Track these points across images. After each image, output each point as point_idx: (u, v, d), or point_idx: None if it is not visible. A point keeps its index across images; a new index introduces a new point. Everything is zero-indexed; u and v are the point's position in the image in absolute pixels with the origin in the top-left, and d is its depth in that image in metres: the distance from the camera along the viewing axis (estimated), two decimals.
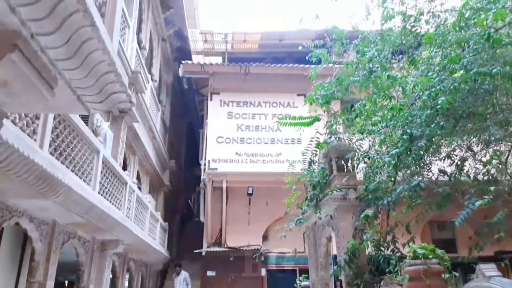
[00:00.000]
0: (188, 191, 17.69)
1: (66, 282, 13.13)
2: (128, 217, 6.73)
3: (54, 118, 3.91)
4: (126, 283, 9.99)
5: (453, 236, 10.96)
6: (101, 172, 5.30)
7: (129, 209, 6.85)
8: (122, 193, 6.35)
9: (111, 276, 8.18)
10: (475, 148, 5.34)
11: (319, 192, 6.40)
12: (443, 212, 9.03)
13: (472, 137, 5.27)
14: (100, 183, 5.22)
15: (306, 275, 8.81)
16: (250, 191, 11.50)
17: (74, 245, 5.70)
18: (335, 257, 7.40)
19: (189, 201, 18.26)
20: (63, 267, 6.52)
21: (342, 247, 5.58)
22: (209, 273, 11.05)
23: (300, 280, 8.83)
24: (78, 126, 4.46)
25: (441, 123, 4.27)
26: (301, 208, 6.58)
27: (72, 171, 4.30)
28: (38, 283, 4.51)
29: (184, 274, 10.34)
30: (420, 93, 4.76)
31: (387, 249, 4.88)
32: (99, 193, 5.12)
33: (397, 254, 4.73)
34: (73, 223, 5.13)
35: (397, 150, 4.42)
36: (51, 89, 1.79)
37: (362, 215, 4.85)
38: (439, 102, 4.10)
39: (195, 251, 11.36)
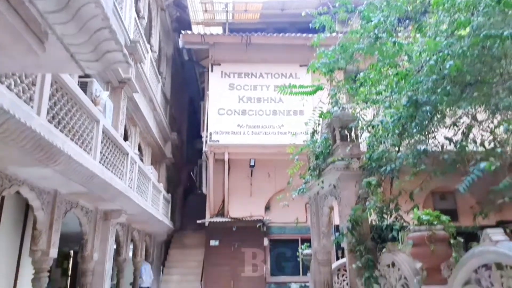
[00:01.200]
0: (190, 164, 17.74)
1: (72, 252, 13.35)
2: (131, 188, 6.74)
3: (51, 86, 3.82)
4: (131, 253, 10.16)
5: (454, 206, 10.99)
6: (102, 142, 5.25)
7: (131, 180, 6.85)
8: (124, 164, 6.32)
9: (115, 246, 8.30)
10: (482, 116, 5.23)
11: (322, 162, 6.35)
12: (446, 182, 9.04)
13: (478, 106, 5.16)
14: (101, 153, 5.18)
15: (308, 244, 8.91)
16: (252, 163, 11.49)
17: (76, 215, 5.72)
18: (336, 227, 7.44)
19: (191, 174, 18.37)
20: (68, 237, 6.60)
21: (344, 216, 5.58)
22: (212, 242, 11.20)
23: (302, 249, 8.94)
24: (76, 94, 4.37)
25: (448, 88, 4.15)
26: (304, 178, 6.54)
27: (72, 139, 4.25)
28: (41, 251, 4.54)
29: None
30: (427, 58, 4.62)
31: (390, 217, 4.87)
32: (100, 162, 5.08)
33: (400, 222, 4.72)
34: (75, 193, 5.12)
35: (401, 116, 4.32)
36: (41, 43, 1.69)
37: (365, 182, 4.81)
38: (447, 67, 3.97)
39: (198, 221, 11.46)
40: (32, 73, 3.04)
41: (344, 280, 8.23)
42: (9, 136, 3.01)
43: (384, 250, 4.74)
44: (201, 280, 11.13)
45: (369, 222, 5.48)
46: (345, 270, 8.35)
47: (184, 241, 13.68)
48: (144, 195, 7.94)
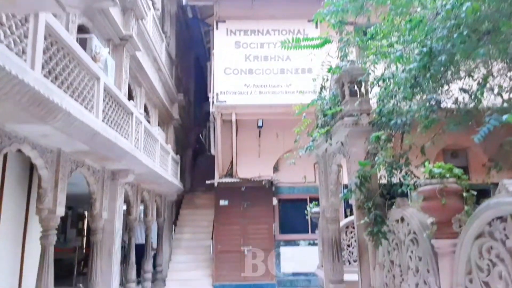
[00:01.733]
0: (199, 126, 17.70)
1: (86, 213, 13.68)
2: (137, 148, 6.68)
3: (45, 39, 3.66)
4: (142, 213, 10.34)
5: (466, 163, 10.81)
6: (104, 100, 5.13)
7: (137, 140, 6.79)
8: (129, 123, 6.23)
9: (125, 206, 8.40)
10: (500, 66, 4.94)
11: (330, 119, 6.18)
12: (458, 139, 8.80)
13: (494, 59, 4.86)
14: (103, 111, 5.08)
15: (317, 203, 8.91)
16: (260, 124, 11.34)
17: (83, 174, 5.71)
18: (345, 186, 7.37)
19: (200, 136, 18.37)
20: (82, 198, 6.63)
21: (353, 173, 5.47)
22: (221, 202, 11.30)
23: (310, 207, 8.96)
24: (73, 49, 4.21)
25: (465, 34, 3.87)
26: (312, 136, 6.39)
27: (71, 96, 4.13)
28: (47, 209, 4.56)
29: None
30: (443, 3, 4.30)
31: (400, 172, 4.74)
32: (103, 121, 4.99)
33: (410, 176, 4.59)
34: (79, 152, 5.07)
35: (414, 64, 4.08)
36: None
37: (373, 136, 4.65)
38: (464, 9, 3.68)
39: (207, 181, 11.53)
40: (6, 12, 2.86)
41: (352, 237, 8.28)
42: (1, 89, 2.89)
43: (393, 206, 4.66)
44: (211, 238, 11.34)
45: (378, 179, 5.37)
46: (353, 228, 8.38)
47: (194, 202, 13.89)
48: (151, 156, 7.91)
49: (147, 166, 7.12)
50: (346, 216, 10.76)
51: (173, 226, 12.73)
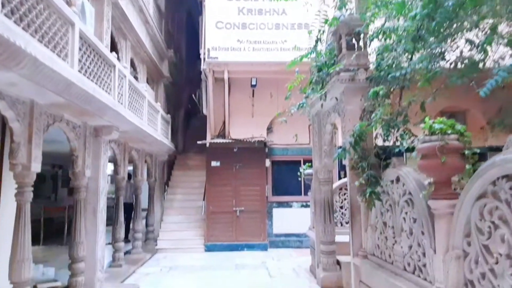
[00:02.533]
0: (192, 86, 17.17)
1: None
2: (121, 103, 6.33)
3: None
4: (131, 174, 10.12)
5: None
6: (80, 49, 4.72)
7: (122, 95, 6.41)
8: (110, 77, 5.84)
9: (113, 166, 8.15)
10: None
11: (326, 74, 5.82)
12: (457, 101, 8.45)
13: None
14: (80, 61, 4.68)
15: (310, 164, 8.70)
16: (253, 82, 10.92)
17: (62, 129, 5.39)
18: (339, 148, 7.13)
19: (192, 96, 17.89)
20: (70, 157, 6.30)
21: (348, 131, 5.20)
22: (213, 163, 11.08)
23: (303, 169, 8.76)
24: None
25: None
26: (305, 93, 6.05)
27: (40, 41, 3.73)
28: (21, 165, 4.27)
29: None
30: None
31: (397, 131, 4.46)
32: (79, 72, 4.61)
33: (408, 137, 4.32)
34: (56, 104, 4.72)
35: (418, 10, 3.70)
36: None
37: (371, 92, 4.34)
38: None
39: (198, 142, 11.25)
40: None
41: (345, 199, 8.14)
42: None
43: (388, 167, 4.42)
44: (203, 199, 11.23)
45: (374, 139, 5.11)
46: (346, 189, 8.25)
47: (187, 163, 13.70)
48: (138, 113, 7.57)
49: (133, 123, 6.79)
50: (339, 178, 10.63)
51: (165, 187, 12.58)
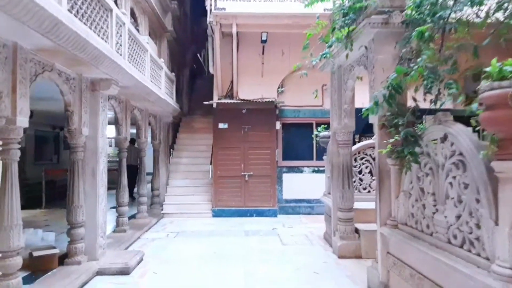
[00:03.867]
0: (197, 45, 16.33)
1: None
2: (120, 54, 5.66)
3: None
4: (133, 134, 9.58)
5: None
6: None
7: (120, 45, 5.73)
8: (107, 22, 5.13)
9: (114, 127, 7.59)
10: None
11: (353, 19, 5.06)
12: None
13: None
14: None
15: (326, 126, 8.09)
16: (264, 37, 10.10)
17: (54, 81, 4.77)
18: (357, 110, 6.47)
19: (198, 55, 17.06)
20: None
21: (378, 84, 4.54)
22: (220, 125, 10.48)
23: (318, 131, 8.15)
24: None
25: None
26: (326, 42, 5.31)
27: None
28: (5, 118, 3.69)
29: None
30: None
31: (441, 82, 3.79)
32: (69, 11, 3.92)
33: (456, 89, 3.64)
34: (44, 50, 4.07)
35: None
36: None
37: (416, 33, 3.63)
38: None
39: (205, 102, 10.61)
40: None
41: (363, 164, 7.57)
42: None
43: (430, 123, 3.78)
44: (210, 164, 10.72)
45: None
46: (365, 154, 7.67)
47: (192, 125, 13.13)
48: (139, 67, 6.90)
49: (133, 77, 6.14)
50: (354, 143, 10.04)
51: (170, 150, 12.07)
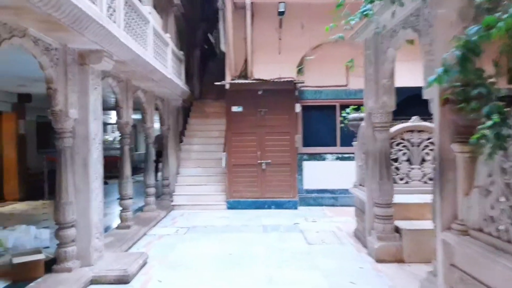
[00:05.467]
0: (208, 25, 15.25)
1: None
2: (114, 22, 4.69)
3: None
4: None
5: None
6: None
7: (114, 11, 4.76)
8: None
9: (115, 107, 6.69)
10: None
11: None
12: None
13: None
14: None
15: (355, 106, 7.04)
16: (281, 9, 8.99)
17: (28, 50, 3.85)
18: (397, 90, 5.42)
19: (209, 35, 16.01)
20: None
21: (440, 47, 3.49)
22: (234, 108, 9.49)
23: (347, 113, 7.10)
24: None
25: None
26: None
27: None
28: None
29: None
30: None
31: None
32: None
33: None
34: (2, 6, 3.12)
35: None
36: None
37: None
38: None
39: (216, 83, 9.61)
40: None
41: (400, 150, 6.52)
42: None
43: None
44: (224, 151, 9.78)
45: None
46: (403, 139, 6.60)
47: (204, 110, 12.19)
48: (139, 40, 5.93)
49: (131, 49, 5.18)
50: None
51: (181, 136, 11.17)
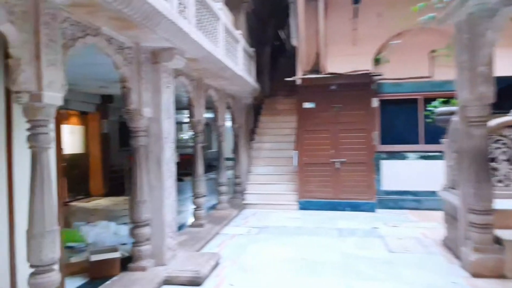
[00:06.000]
0: (278, 21, 15.03)
1: None
2: (185, 18, 4.61)
3: None
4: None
5: None
6: None
7: (185, 7, 4.68)
8: None
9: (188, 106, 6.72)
10: None
11: None
12: None
13: None
14: None
15: (444, 99, 6.30)
16: None
17: (102, 49, 3.89)
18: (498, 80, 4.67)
19: (279, 31, 15.79)
20: None
21: None
22: (306, 105, 9.12)
23: (434, 106, 6.38)
24: None
25: None
26: None
27: None
28: (28, 93, 2.79)
29: None
30: None
31: None
32: None
33: None
34: (77, 4, 3.13)
35: None
36: None
37: None
38: None
39: (287, 79, 9.31)
40: None
41: (498, 148, 5.68)
42: None
43: None
44: (295, 149, 9.46)
45: None
46: (502, 135, 5.74)
47: (275, 107, 11.98)
48: (210, 37, 5.84)
49: (202, 47, 5.09)
50: None
51: (251, 134, 11.07)
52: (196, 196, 7.09)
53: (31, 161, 2.92)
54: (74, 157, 10.84)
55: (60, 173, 3.68)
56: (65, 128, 10.34)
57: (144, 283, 4.23)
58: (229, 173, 10.80)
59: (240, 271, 4.97)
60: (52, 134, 3.06)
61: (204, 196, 7.21)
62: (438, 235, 6.25)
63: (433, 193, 8.20)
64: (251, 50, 9.65)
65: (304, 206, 8.97)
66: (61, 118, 3.59)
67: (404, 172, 8.82)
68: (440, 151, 8.60)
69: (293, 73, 9.63)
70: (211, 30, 5.88)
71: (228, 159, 10.74)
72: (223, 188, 8.72)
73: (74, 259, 4.92)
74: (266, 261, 5.34)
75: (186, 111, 7.41)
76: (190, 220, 7.37)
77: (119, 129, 12.58)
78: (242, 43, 8.27)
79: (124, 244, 5.69)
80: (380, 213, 8.44)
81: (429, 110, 6.65)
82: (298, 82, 9.12)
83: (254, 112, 11.59)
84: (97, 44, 3.74)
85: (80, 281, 4.39)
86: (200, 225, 6.93)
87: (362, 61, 9.03)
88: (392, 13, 8.67)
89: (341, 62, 9.09)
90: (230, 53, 7.16)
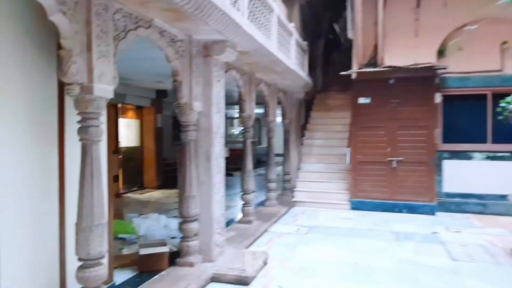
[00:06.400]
0: (332, 13, 14.53)
1: None
2: (238, 10, 4.47)
3: None
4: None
5: None
6: None
7: None
8: None
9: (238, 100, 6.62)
10: None
11: None
12: None
13: None
14: None
15: None
16: None
17: (154, 41, 3.85)
18: None
19: (333, 24, 15.26)
20: None
21: None
22: (361, 100, 8.69)
23: (507, 102, 5.75)
24: None
25: None
26: None
27: None
28: (79, 85, 2.78)
29: None
30: None
31: None
32: None
33: None
34: None
35: None
36: None
37: None
38: None
39: (341, 73, 8.91)
40: None
41: None
42: None
43: None
44: (348, 146, 9.06)
45: None
46: None
47: (327, 103, 11.59)
48: (263, 29, 5.66)
49: (254, 39, 4.91)
50: None
51: (302, 130, 10.80)
52: (245, 192, 6.99)
53: (81, 154, 2.92)
54: (129, 150, 11.22)
55: (115, 165, 3.68)
56: (122, 122, 10.70)
57: (191, 279, 4.17)
58: (279, 169, 10.63)
59: (289, 272, 4.77)
60: (103, 127, 3.03)
61: (253, 192, 7.09)
62: (507, 243, 5.65)
63: (501, 197, 7.51)
64: (304, 43, 9.36)
65: (357, 206, 8.57)
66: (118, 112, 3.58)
67: (469, 173, 8.13)
68: (510, 152, 7.83)
69: (347, 68, 9.20)
70: (264, 22, 5.70)
71: (278, 155, 10.57)
72: (272, 185, 8.56)
73: (126, 251, 4.99)
74: (316, 263, 5.10)
75: (236, 106, 7.32)
76: (239, 215, 7.29)
77: (172, 123, 12.85)
78: (295, 36, 8.01)
79: (173, 237, 5.72)
80: (441, 216, 7.84)
81: (502, 107, 6.01)
82: (353, 76, 8.70)
83: (305, 108, 11.29)
84: (149, 36, 3.70)
85: (129, 274, 4.43)
86: (249, 222, 6.83)
87: (424, 53, 8.41)
88: (459, 2, 8.00)
89: (401, 54, 8.53)
90: (282, 46, 6.94)
